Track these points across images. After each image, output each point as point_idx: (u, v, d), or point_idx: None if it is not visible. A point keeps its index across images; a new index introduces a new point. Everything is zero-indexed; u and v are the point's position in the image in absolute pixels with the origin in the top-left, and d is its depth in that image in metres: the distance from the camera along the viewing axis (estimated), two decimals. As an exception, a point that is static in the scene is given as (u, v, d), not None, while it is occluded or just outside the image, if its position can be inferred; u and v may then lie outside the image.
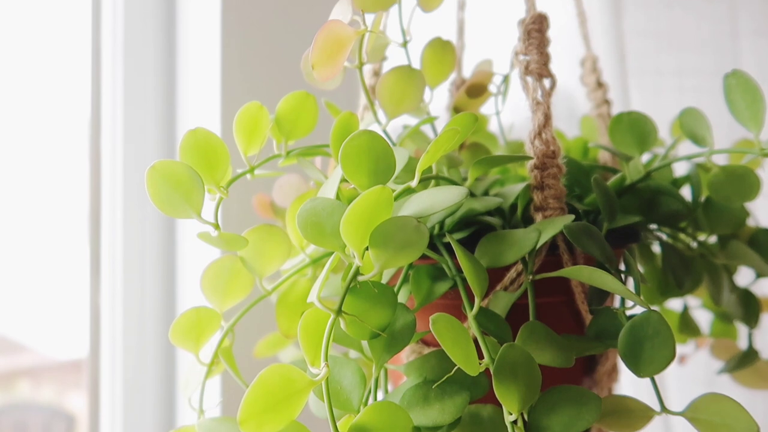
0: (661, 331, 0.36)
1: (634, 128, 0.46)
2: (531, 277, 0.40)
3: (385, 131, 0.45)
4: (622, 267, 0.43)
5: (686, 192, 0.50)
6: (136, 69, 0.66)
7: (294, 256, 0.47)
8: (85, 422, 0.71)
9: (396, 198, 0.37)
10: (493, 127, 0.61)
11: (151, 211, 0.67)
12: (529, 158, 0.43)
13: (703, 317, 0.59)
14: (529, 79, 0.44)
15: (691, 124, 0.44)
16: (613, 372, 0.48)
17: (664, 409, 0.36)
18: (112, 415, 0.68)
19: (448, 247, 0.42)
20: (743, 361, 0.50)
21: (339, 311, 0.34)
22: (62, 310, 0.84)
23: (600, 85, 0.57)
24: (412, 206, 0.36)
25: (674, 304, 0.59)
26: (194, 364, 0.45)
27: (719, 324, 0.57)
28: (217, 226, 0.39)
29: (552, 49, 0.45)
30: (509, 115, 0.59)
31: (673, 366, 0.70)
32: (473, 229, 0.43)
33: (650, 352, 0.36)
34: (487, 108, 0.57)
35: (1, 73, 0.72)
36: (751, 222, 0.52)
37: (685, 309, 0.56)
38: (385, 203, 0.33)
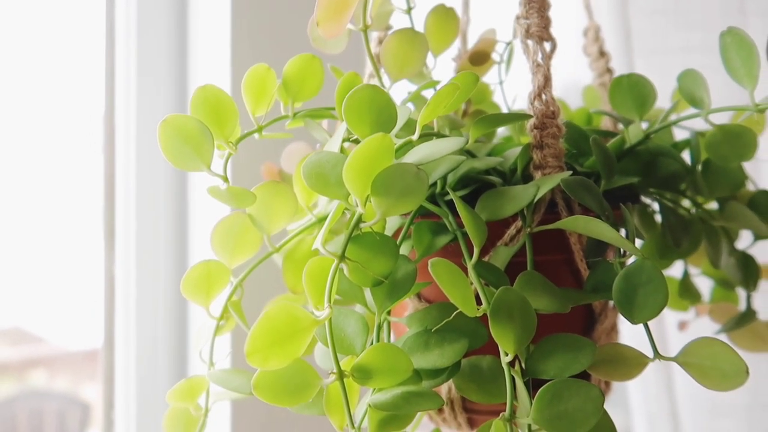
0: (654, 278, 0.37)
1: (634, 90, 0.47)
2: (529, 229, 0.41)
3: (388, 94, 0.46)
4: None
5: (686, 158, 0.51)
6: (149, 33, 0.68)
7: (300, 218, 0.49)
8: (100, 407, 0.72)
9: (397, 151, 0.38)
10: (497, 99, 0.62)
11: (162, 176, 0.68)
12: (529, 116, 0.44)
13: (704, 288, 0.60)
14: (530, 42, 0.45)
15: (689, 86, 0.45)
16: (612, 331, 0.49)
17: (657, 354, 0.37)
18: (126, 400, 0.69)
19: (450, 205, 0.43)
20: (741, 321, 0.51)
21: (342, 257, 0.36)
22: (76, 298, 0.85)
23: (602, 54, 0.57)
24: (413, 156, 0.37)
25: (675, 271, 0.59)
26: (205, 321, 0.47)
27: (720, 291, 0.58)
28: (226, 179, 0.41)
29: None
30: (514, 89, 0.60)
31: (675, 330, 0.71)
32: (474, 187, 0.44)
33: (644, 298, 0.37)
34: (491, 78, 0.58)
35: (15, 34, 0.73)
36: (750, 187, 0.52)
37: (686, 274, 0.57)
38: (386, 150, 0.34)
